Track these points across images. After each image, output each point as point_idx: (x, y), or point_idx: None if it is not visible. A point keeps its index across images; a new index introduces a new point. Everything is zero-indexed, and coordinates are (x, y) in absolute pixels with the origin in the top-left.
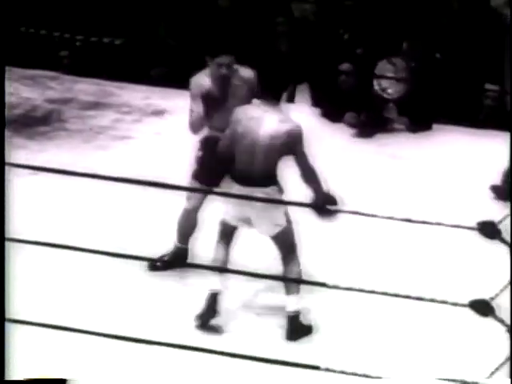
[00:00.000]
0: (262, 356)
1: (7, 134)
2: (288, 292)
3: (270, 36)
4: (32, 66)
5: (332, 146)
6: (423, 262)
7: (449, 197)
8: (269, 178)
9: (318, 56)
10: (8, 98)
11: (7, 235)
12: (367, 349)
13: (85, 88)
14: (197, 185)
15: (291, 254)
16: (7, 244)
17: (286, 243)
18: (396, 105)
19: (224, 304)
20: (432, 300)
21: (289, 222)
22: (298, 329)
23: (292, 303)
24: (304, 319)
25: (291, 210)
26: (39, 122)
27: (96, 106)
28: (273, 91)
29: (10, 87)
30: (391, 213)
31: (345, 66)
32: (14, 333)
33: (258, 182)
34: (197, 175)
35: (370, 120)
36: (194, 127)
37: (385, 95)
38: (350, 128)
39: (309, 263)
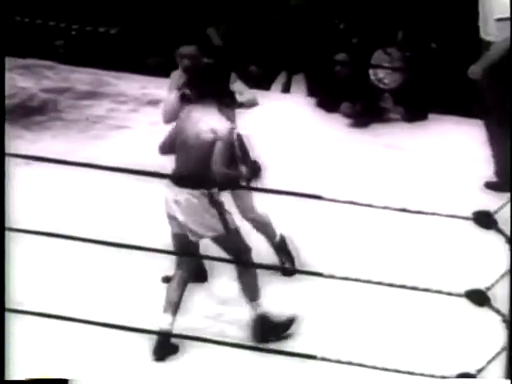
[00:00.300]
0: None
1: None
2: (251, 298)
3: (265, 25)
4: (28, 56)
5: (327, 135)
6: (419, 251)
7: (444, 187)
8: (200, 181)
9: (314, 46)
10: None
11: (7, 225)
12: (362, 339)
13: (81, 77)
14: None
15: (241, 260)
16: (7, 234)
17: (228, 250)
18: (392, 95)
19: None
20: (427, 290)
21: (228, 230)
22: (265, 329)
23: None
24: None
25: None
26: (35, 112)
27: (92, 95)
28: (205, 93)
29: (5, 76)
30: (387, 203)
31: (340, 56)
32: (14, 323)
33: (189, 184)
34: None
35: (366, 110)
36: (166, 118)
37: (380, 85)
38: (345, 118)
39: (305, 253)
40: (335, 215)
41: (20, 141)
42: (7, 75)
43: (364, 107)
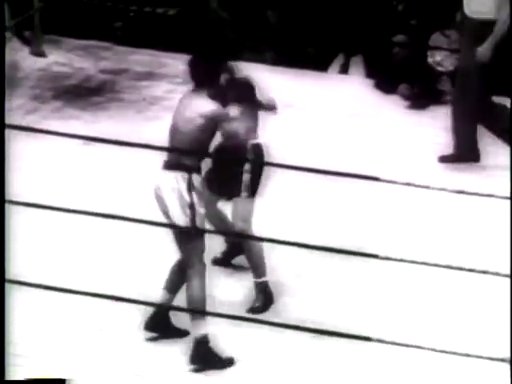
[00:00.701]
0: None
1: (59, 104)
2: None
3: (324, 6)
4: (85, 37)
5: (385, 117)
6: (477, 233)
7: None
8: (183, 164)
9: (372, 27)
10: (61, 69)
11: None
12: (418, 320)
13: (138, 59)
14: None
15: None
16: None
17: (182, 245)
18: (450, 77)
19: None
20: (485, 272)
21: (193, 226)
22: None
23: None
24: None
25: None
26: (92, 93)
27: (150, 76)
28: (196, 79)
29: (63, 57)
30: (444, 184)
31: (399, 38)
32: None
33: (181, 168)
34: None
35: (424, 92)
36: None
37: (438, 68)
38: (403, 100)
39: (361, 235)
40: (392, 197)
41: (76, 121)
42: (66, 56)
43: (422, 89)
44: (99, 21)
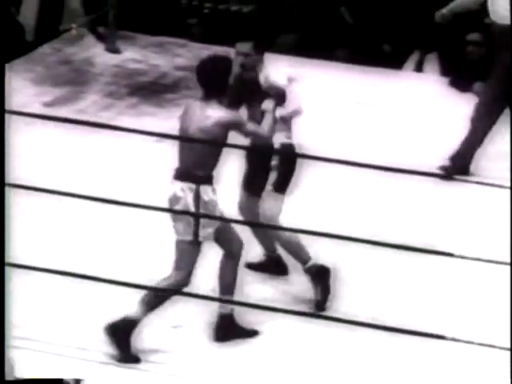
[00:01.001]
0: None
1: (134, 101)
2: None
3: (399, 3)
4: (160, 33)
5: (460, 115)
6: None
7: None
8: (192, 175)
9: (447, 25)
10: (136, 65)
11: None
12: (494, 320)
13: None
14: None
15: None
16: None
17: (181, 259)
18: None
19: None
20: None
21: (196, 238)
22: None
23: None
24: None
25: None
26: (167, 90)
27: None
28: (206, 85)
29: (138, 54)
30: None
31: (473, 36)
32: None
33: (184, 178)
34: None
35: None
36: None
37: None
38: (478, 97)
39: (433, 233)
40: (466, 196)
41: (151, 118)
42: (141, 52)
43: None
44: (174, 17)
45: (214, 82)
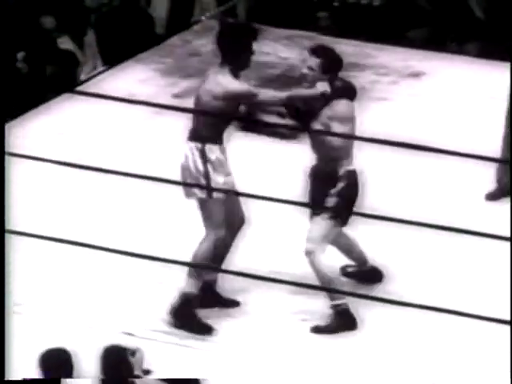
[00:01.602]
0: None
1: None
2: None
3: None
4: (289, 26)
5: None
6: None
7: None
8: (204, 135)
9: None
10: (266, 58)
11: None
12: None
13: (343, 49)
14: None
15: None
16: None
17: (205, 220)
18: None
19: None
20: None
21: (210, 195)
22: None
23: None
24: None
25: None
26: (295, 83)
27: (355, 66)
28: (224, 51)
29: (268, 47)
30: None
31: None
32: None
33: (195, 138)
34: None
35: None
36: None
37: None
38: None
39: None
40: None
41: None
42: (270, 45)
43: None
44: (304, 10)
45: (231, 48)
